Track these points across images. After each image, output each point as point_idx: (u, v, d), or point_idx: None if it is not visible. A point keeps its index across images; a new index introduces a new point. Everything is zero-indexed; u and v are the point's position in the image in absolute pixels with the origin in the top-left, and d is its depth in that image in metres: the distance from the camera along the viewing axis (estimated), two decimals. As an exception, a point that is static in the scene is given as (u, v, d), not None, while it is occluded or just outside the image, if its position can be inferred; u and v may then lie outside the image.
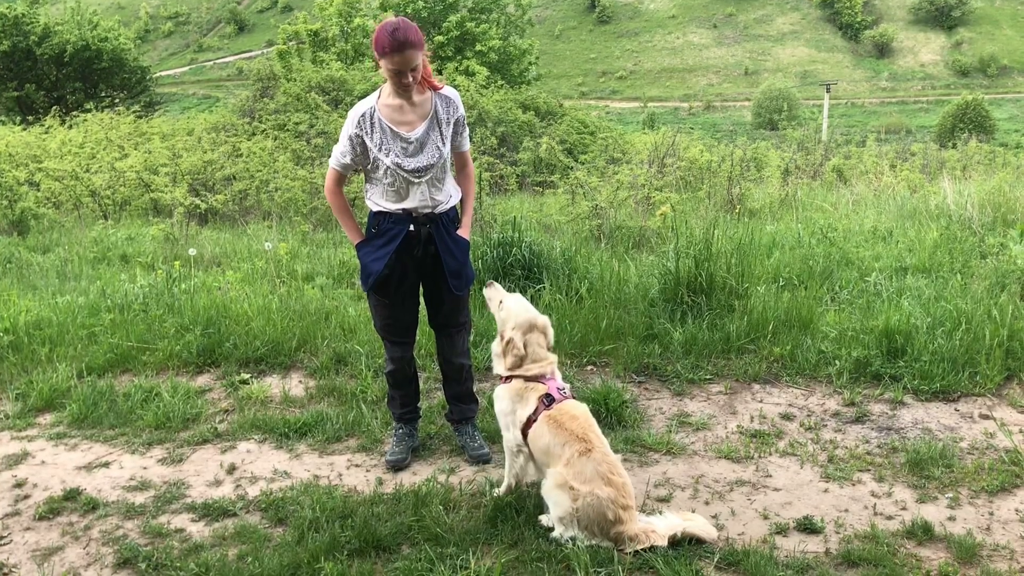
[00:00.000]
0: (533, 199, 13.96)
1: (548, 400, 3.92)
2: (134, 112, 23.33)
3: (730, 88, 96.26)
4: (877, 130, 52.57)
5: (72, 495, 4.36)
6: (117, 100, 40.03)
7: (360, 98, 20.01)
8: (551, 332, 4.13)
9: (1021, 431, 4.86)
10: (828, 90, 61.17)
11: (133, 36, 67.26)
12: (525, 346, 4.00)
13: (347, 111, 15.63)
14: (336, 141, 4.48)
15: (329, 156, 4.58)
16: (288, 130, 19.01)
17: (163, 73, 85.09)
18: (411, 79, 4.15)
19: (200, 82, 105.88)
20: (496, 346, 4.16)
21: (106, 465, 4.71)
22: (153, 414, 5.19)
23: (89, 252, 9.84)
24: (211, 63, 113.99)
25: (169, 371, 5.94)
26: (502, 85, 26.35)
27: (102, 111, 24.76)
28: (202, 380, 5.86)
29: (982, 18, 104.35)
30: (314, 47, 32.18)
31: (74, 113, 23.43)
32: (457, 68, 28.90)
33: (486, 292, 4.30)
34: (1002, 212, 9.40)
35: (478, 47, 34.83)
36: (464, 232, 4.57)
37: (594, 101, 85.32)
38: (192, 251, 7.91)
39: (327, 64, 25.02)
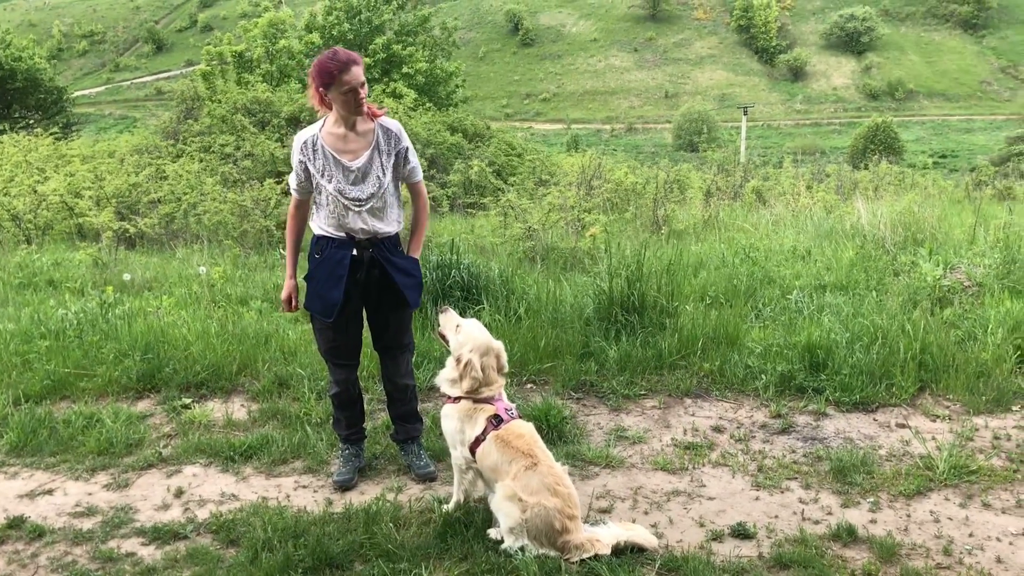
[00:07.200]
0: (465, 221, 14.11)
1: (496, 421, 4.06)
2: (52, 134, 22.79)
3: (651, 110, 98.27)
4: (793, 152, 54.19)
5: (16, 523, 4.32)
6: (32, 121, 38.96)
7: (287, 120, 19.77)
8: (504, 356, 4.26)
9: (934, 438, 5.18)
10: (745, 113, 62.90)
11: (45, 54, 65.48)
12: (482, 369, 4.13)
13: (274, 133, 15.44)
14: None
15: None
16: (214, 152, 18.80)
17: (78, 93, 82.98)
18: (364, 95, 4.33)
19: (117, 102, 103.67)
20: (450, 370, 4.25)
21: (50, 492, 4.68)
22: (95, 440, 5.17)
23: (14, 278, 9.63)
24: (128, 83, 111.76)
25: (109, 397, 5.90)
26: (430, 107, 26.49)
27: (17, 132, 24.09)
28: (143, 405, 5.85)
29: (889, 44, 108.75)
30: (238, 68, 31.84)
31: (-13, 135, 22.73)
32: (384, 90, 28.96)
33: (441, 318, 4.40)
34: (912, 231, 9.91)
35: (405, 69, 34.94)
36: (413, 254, 4.70)
37: (518, 123, 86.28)
38: (127, 276, 7.85)
39: (252, 86, 24.79)
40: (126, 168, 16.87)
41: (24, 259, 10.68)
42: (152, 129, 25.01)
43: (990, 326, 6.40)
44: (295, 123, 21.26)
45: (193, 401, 5.88)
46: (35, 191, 13.90)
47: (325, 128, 4.47)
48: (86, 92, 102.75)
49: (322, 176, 4.43)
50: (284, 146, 17.88)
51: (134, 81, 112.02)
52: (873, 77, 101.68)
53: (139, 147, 20.97)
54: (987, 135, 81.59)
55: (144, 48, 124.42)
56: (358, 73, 4.27)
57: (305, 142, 4.46)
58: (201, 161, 17.53)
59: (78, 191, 13.81)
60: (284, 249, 11.02)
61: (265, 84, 25.85)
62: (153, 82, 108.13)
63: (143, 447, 5.21)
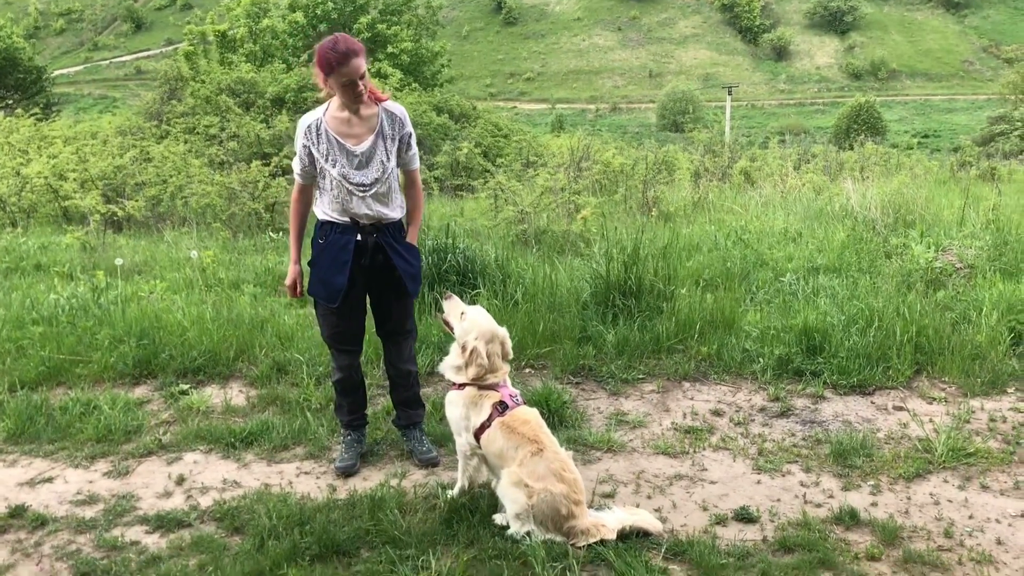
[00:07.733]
0: (453, 203, 14.07)
1: (502, 407, 4.07)
2: (33, 115, 22.54)
3: (635, 90, 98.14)
4: (780, 131, 54.26)
5: (18, 512, 4.29)
6: (12, 102, 38.48)
7: (272, 101, 19.66)
8: (509, 343, 4.26)
9: (931, 421, 5.23)
10: (730, 93, 62.88)
11: (22, 33, 64.54)
12: (488, 356, 4.12)
13: (259, 114, 15.38)
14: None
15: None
16: (199, 133, 18.66)
17: (56, 72, 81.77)
18: (363, 87, 4.28)
19: (96, 82, 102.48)
20: (454, 357, 4.24)
21: (50, 480, 4.65)
22: (93, 427, 5.13)
23: (0, 262, 9.54)
24: (107, 62, 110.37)
25: (105, 383, 5.85)
26: (416, 88, 26.36)
27: (-3, 114, 23.81)
28: (140, 391, 5.81)
29: (872, 23, 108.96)
30: (221, 48, 31.55)
31: (-34, 116, 22.44)
32: (369, 71, 28.77)
33: (445, 304, 4.39)
34: (902, 213, 9.95)
35: (389, 49, 34.71)
36: (409, 240, 4.68)
37: (503, 102, 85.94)
38: (119, 261, 7.78)
39: (236, 66, 24.60)
40: (110, 150, 16.70)
41: (10, 243, 10.58)
42: (135, 110, 24.79)
43: (984, 308, 6.44)
44: (280, 104, 21.14)
45: (191, 387, 5.84)
46: (18, 173, 13.74)
47: (329, 112, 4.43)
48: (64, 71, 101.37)
49: (326, 161, 4.40)
50: (270, 127, 17.77)
51: (113, 61, 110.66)
52: (856, 57, 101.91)
53: (123, 128, 20.79)
54: (969, 115, 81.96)
55: (123, 27, 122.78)
56: (358, 66, 4.22)
57: (309, 126, 4.42)
58: (186, 143, 17.40)
59: (62, 173, 13.66)
60: (273, 232, 11.01)
61: (249, 64, 25.66)
62: (133, 61, 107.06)
63: (142, 434, 5.18)
